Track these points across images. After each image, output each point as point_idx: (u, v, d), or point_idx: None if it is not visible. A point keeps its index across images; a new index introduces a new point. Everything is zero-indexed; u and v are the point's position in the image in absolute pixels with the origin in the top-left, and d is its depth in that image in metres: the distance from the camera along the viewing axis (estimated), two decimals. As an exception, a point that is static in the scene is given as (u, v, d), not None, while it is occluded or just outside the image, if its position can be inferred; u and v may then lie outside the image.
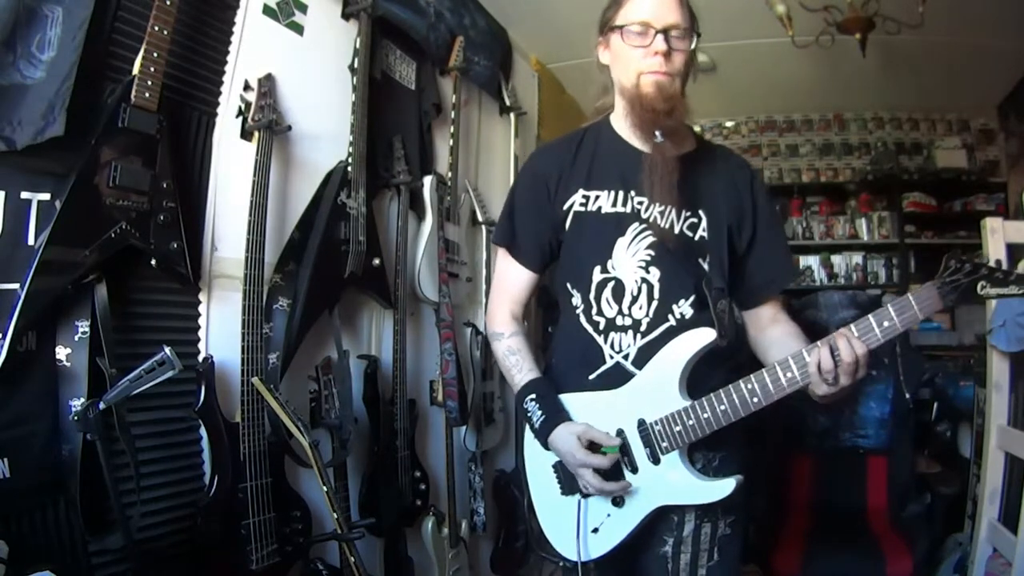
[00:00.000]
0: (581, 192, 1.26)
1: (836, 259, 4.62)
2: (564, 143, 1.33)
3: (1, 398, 1.24)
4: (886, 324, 1.02)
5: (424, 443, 2.40)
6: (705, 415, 1.12)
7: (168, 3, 1.41)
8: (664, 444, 1.16)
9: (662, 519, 1.22)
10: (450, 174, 2.56)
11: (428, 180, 2.38)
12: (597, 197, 1.25)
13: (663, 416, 1.15)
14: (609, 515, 1.22)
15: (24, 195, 1.29)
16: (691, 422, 1.13)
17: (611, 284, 1.23)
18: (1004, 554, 1.97)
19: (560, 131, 3.97)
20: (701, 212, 1.23)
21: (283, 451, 1.67)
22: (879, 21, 2.65)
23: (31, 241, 1.29)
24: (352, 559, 1.65)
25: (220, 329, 1.63)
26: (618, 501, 1.20)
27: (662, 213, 1.21)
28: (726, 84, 4.04)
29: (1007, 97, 4.15)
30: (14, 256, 1.26)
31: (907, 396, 2.64)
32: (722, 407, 1.11)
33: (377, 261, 2.05)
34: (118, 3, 1.42)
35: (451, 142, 2.58)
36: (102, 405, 1.27)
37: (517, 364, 1.30)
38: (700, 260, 1.22)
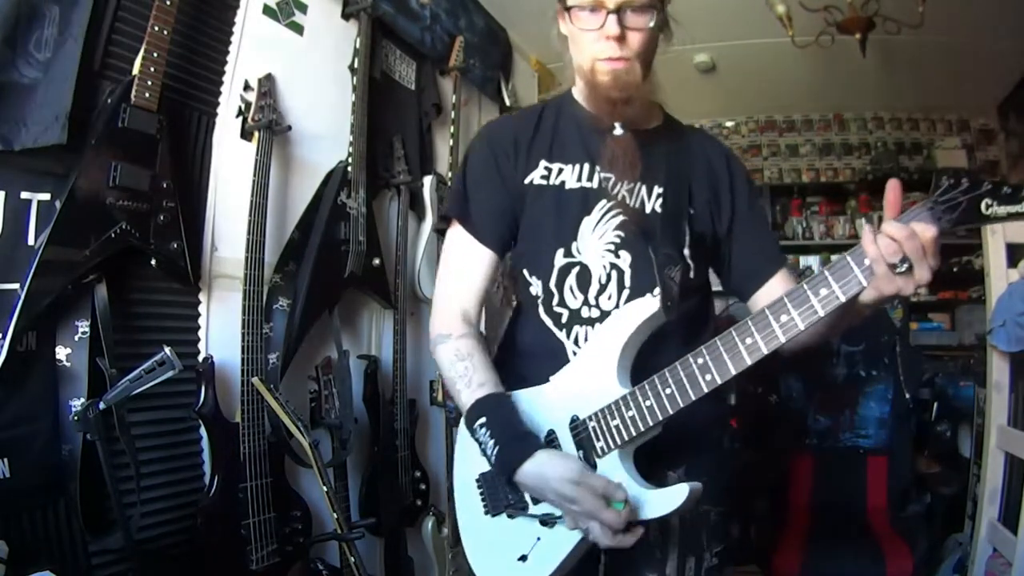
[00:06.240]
0: (543, 164, 1.12)
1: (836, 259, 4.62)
2: (523, 115, 1.21)
3: (1, 398, 1.24)
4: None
5: (424, 443, 2.40)
6: (647, 403, 0.92)
7: (168, 3, 1.41)
8: (600, 444, 0.97)
9: (641, 552, 1.03)
10: (450, 174, 2.56)
11: (428, 180, 2.38)
12: (560, 170, 1.11)
13: (599, 409, 0.97)
14: (539, 539, 1.01)
15: (24, 195, 1.29)
16: (631, 413, 0.94)
17: (575, 270, 1.07)
18: (1004, 554, 1.97)
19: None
20: (671, 186, 1.10)
21: (283, 451, 1.67)
22: (879, 21, 2.65)
23: (31, 241, 1.29)
24: (352, 559, 1.65)
25: (220, 329, 1.63)
26: (547, 521, 1.00)
27: (631, 191, 1.08)
28: (726, 84, 4.03)
29: (1007, 97, 4.14)
30: (14, 256, 1.26)
31: (907, 396, 2.63)
32: (667, 390, 0.91)
33: (377, 261, 2.05)
34: (118, 3, 1.42)
35: (451, 142, 2.58)
36: (102, 405, 1.28)
37: (465, 374, 1.05)
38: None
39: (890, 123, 4.68)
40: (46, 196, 1.31)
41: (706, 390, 0.89)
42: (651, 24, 1.03)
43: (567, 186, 1.10)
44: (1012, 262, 2.15)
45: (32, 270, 1.22)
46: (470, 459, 1.09)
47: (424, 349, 2.44)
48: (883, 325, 2.79)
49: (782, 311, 0.85)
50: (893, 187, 0.84)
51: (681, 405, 0.91)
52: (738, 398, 3.64)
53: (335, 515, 1.60)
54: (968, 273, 4.06)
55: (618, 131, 1.07)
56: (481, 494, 1.08)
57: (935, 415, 2.99)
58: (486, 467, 1.05)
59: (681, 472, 1.08)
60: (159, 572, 1.43)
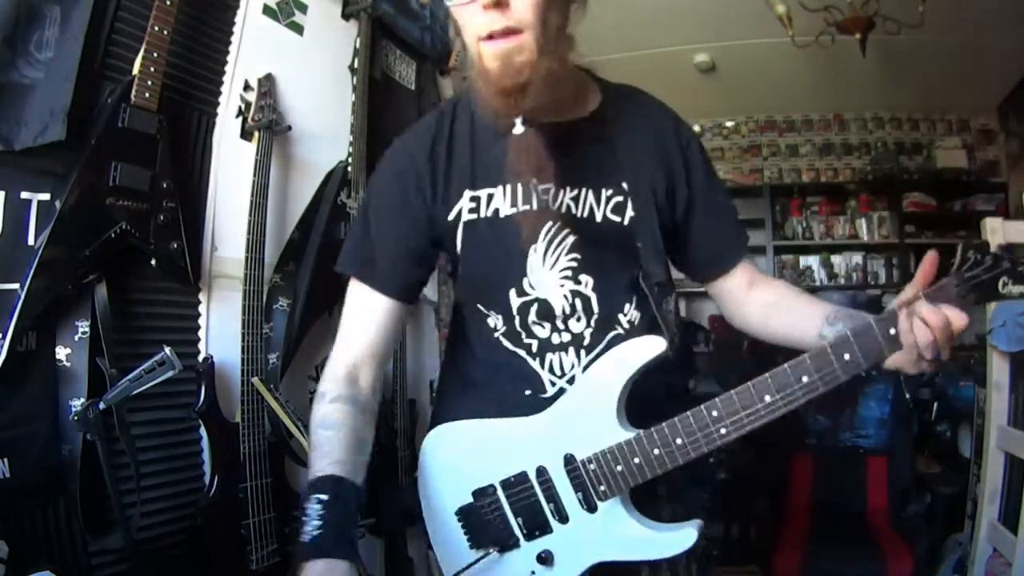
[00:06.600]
0: (468, 194, 0.95)
1: (836, 259, 4.62)
2: (428, 133, 0.99)
3: (1, 398, 1.24)
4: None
5: (424, 443, 2.41)
6: (655, 451, 0.88)
7: (168, 3, 1.41)
8: (603, 488, 0.91)
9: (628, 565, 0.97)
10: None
11: (428, 180, 2.38)
12: (491, 197, 0.94)
13: (599, 452, 0.90)
14: (534, 573, 0.95)
15: (24, 195, 1.29)
16: (637, 460, 0.88)
17: (534, 307, 0.96)
18: (1004, 554, 1.97)
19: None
20: (624, 185, 0.96)
21: (283, 451, 1.67)
22: (879, 21, 2.65)
23: (31, 241, 1.29)
24: (352, 559, 1.65)
25: (220, 329, 1.63)
26: (545, 558, 0.94)
27: (576, 199, 0.94)
28: (726, 84, 4.04)
29: (1007, 97, 4.15)
30: (14, 256, 1.26)
31: (907, 396, 2.64)
32: (678, 440, 0.87)
33: (377, 261, 2.05)
34: (118, 3, 1.43)
35: (451, 142, 2.58)
36: (102, 405, 1.28)
37: (326, 445, 0.90)
38: (637, 246, 0.97)
39: (890, 123, 4.68)
40: (46, 196, 1.31)
41: (719, 444, 0.86)
42: None
43: (502, 214, 0.94)
44: (1012, 262, 2.14)
45: (32, 270, 1.22)
46: (444, 490, 1.00)
47: (424, 349, 2.44)
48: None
49: (804, 372, 0.83)
50: (931, 260, 0.82)
51: (693, 457, 0.88)
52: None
53: (335, 515, 1.59)
54: (968, 273, 4.07)
55: (518, 129, 0.87)
56: (463, 527, 0.98)
57: (935, 415, 2.99)
58: (466, 499, 0.98)
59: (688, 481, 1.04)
60: (159, 572, 1.43)
